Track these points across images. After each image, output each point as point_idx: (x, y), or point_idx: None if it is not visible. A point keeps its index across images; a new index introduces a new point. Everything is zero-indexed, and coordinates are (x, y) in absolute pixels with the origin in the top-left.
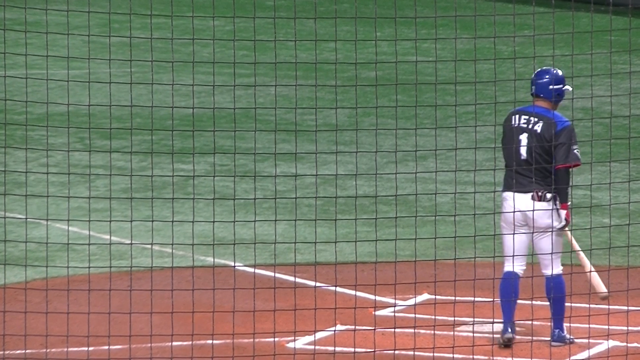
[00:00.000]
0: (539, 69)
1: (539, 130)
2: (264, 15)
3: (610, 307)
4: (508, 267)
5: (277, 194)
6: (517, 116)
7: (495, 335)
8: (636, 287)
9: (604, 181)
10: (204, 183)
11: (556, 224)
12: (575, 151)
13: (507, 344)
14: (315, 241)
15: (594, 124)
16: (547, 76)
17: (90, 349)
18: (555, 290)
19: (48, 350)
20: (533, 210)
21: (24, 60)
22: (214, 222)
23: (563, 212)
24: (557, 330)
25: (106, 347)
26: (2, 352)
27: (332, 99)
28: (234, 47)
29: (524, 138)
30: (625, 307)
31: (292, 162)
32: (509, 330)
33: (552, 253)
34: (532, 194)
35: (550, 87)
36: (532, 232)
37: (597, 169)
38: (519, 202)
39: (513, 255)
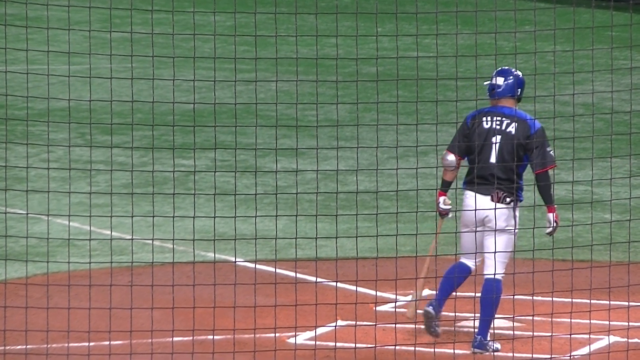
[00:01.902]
0: (498, 70)
1: (513, 132)
2: (265, 11)
3: (611, 302)
4: (463, 259)
5: (277, 190)
6: (489, 117)
7: (496, 331)
8: (637, 282)
9: (605, 177)
10: (205, 178)
11: (506, 225)
12: (550, 152)
13: (427, 322)
14: (316, 237)
15: (595, 119)
16: (511, 77)
17: (91, 344)
18: (488, 294)
19: (49, 346)
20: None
21: (24, 56)
22: (214, 217)
23: (551, 215)
24: (479, 337)
25: (107, 343)
26: (3, 348)
27: (333, 95)
28: (235, 43)
29: (496, 140)
30: (626, 303)
31: (292, 157)
32: (432, 306)
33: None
34: (492, 195)
35: (517, 87)
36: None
37: (598, 165)
38: (479, 202)
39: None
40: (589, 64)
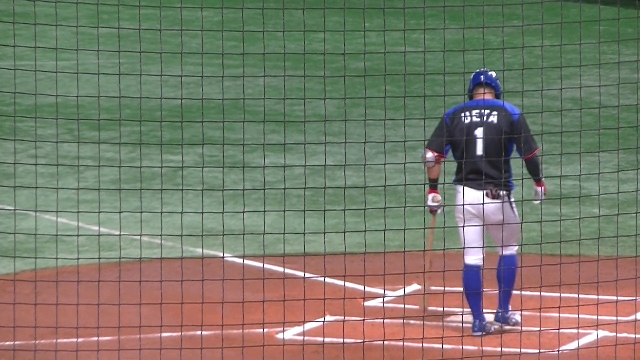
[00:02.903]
0: (476, 71)
1: (495, 121)
2: (253, 6)
3: (600, 297)
4: (467, 260)
5: (266, 185)
6: (467, 112)
7: (487, 325)
8: (625, 277)
9: (593, 171)
10: (193, 174)
11: (507, 217)
12: (532, 137)
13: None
14: (304, 232)
15: (583, 114)
16: (490, 72)
17: (80, 340)
18: (508, 269)
19: (37, 342)
20: (484, 204)
21: (12, 52)
22: (202, 213)
23: (539, 188)
24: (501, 311)
25: (95, 338)
26: None
27: (321, 90)
28: (223, 38)
29: (479, 133)
30: (615, 297)
31: (281, 152)
32: (476, 328)
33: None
34: (486, 191)
35: (497, 81)
36: (483, 225)
37: (587, 159)
38: (471, 197)
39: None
40: (576, 59)
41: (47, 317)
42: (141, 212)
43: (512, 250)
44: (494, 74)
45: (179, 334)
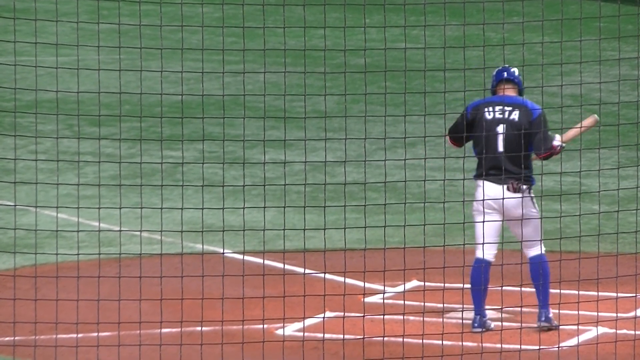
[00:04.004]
0: (500, 67)
1: (516, 119)
2: (253, 2)
3: (600, 293)
4: (479, 254)
5: (266, 181)
6: (490, 107)
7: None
8: (625, 273)
9: (593, 168)
10: (193, 170)
11: (533, 212)
12: (549, 135)
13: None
14: (304, 228)
15: (583, 110)
16: (513, 69)
17: (79, 335)
18: (537, 271)
19: (37, 337)
20: (502, 199)
21: (12, 47)
22: (202, 209)
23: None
24: (544, 311)
25: (95, 334)
26: None
27: (321, 86)
28: (223, 34)
29: (501, 129)
30: (615, 294)
31: (281, 149)
32: (476, 325)
33: (525, 240)
34: (507, 185)
35: (520, 77)
36: (502, 220)
37: (587, 156)
38: (493, 191)
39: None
40: (577, 55)
41: (47, 312)
42: (141, 207)
43: (537, 249)
44: (516, 70)
45: (179, 329)
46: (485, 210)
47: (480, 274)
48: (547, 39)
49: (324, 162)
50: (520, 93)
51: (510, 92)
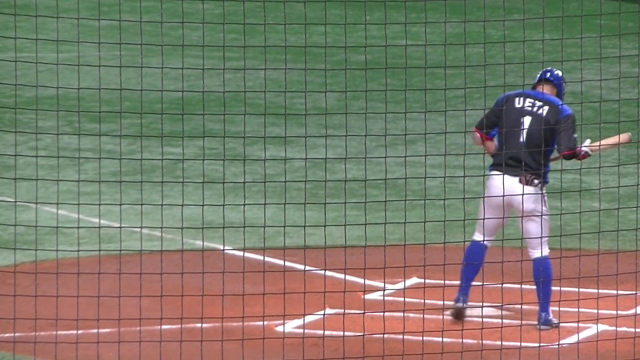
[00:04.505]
0: (546, 69)
1: (543, 114)
2: None
3: (600, 291)
4: (476, 237)
5: (266, 178)
6: (521, 98)
7: (484, 319)
8: (625, 271)
9: (594, 165)
10: (193, 166)
11: (534, 208)
12: (575, 137)
13: (457, 316)
14: (305, 225)
15: (584, 108)
16: (557, 72)
17: (79, 332)
18: (540, 273)
19: (37, 334)
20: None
21: (13, 44)
22: (203, 205)
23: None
24: (543, 314)
25: (95, 331)
26: None
27: (322, 83)
28: (224, 31)
29: (526, 121)
30: (615, 291)
31: (281, 145)
32: (461, 299)
33: (531, 237)
34: (520, 177)
35: (563, 83)
36: (522, 216)
37: None
38: (506, 183)
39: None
40: (577, 53)
41: (47, 309)
42: (141, 204)
43: (543, 250)
44: (560, 73)
45: (179, 326)
46: (494, 203)
47: (474, 251)
48: (548, 36)
49: (324, 159)
50: (559, 96)
51: (547, 90)
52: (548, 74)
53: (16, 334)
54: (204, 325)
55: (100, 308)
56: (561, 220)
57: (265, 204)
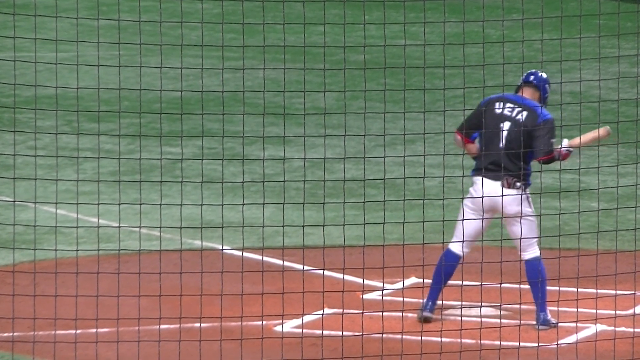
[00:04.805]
0: (530, 71)
1: (521, 119)
2: None
3: (598, 291)
4: (452, 247)
5: (265, 178)
6: (502, 103)
7: (483, 319)
8: (624, 271)
9: (593, 165)
10: (192, 166)
11: (529, 211)
12: (552, 142)
13: (425, 321)
14: (303, 224)
15: (583, 107)
16: (545, 75)
17: (78, 331)
18: (534, 274)
19: (36, 333)
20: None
21: (12, 43)
22: (202, 205)
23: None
24: (542, 314)
25: (94, 330)
26: None
27: (321, 83)
28: (222, 30)
29: (505, 126)
30: (613, 291)
31: (280, 145)
32: (428, 308)
33: (521, 238)
34: (502, 181)
35: (547, 85)
36: (485, 218)
37: (586, 153)
38: (488, 188)
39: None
40: (576, 53)
41: (46, 308)
42: (140, 204)
43: (532, 252)
44: (545, 75)
45: (178, 326)
46: (476, 208)
47: (446, 265)
48: (547, 36)
49: (323, 159)
50: (541, 99)
51: (528, 94)
52: (531, 77)
53: (15, 334)
54: (202, 324)
55: (99, 307)
56: (560, 221)
57: (264, 204)
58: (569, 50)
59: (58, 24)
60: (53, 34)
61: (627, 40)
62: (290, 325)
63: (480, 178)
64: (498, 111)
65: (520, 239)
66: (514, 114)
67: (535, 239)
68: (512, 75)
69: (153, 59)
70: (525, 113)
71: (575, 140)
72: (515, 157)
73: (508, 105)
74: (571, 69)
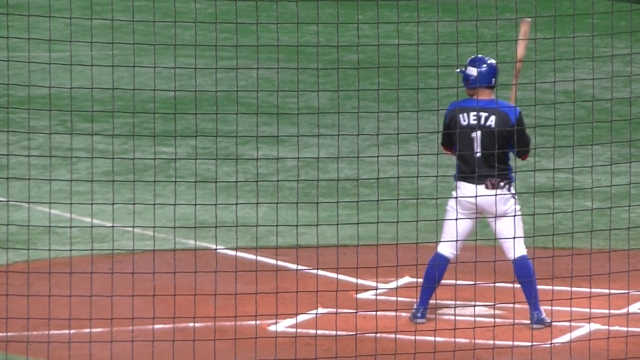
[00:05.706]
0: (471, 59)
1: (493, 125)
2: None
3: (592, 290)
4: (441, 250)
5: (258, 177)
6: (464, 114)
7: (477, 318)
8: (617, 270)
9: (586, 164)
10: (186, 166)
11: (508, 208)
12: (527, 136)
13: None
14: (297, 224)
15: (576, 107)
16: (485, 65)
17: (72, 331)
18: (523, 273)
19: (30, 333)
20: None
21: (5, 43)
22: (195, 204)
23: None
24: (535, 313)
25: (88, 330)
26: None
27: (314, 82)
28: (216, 30)
29: (478, 136)
30: (607, 290)
31: (273, 145)
32: (420, 315)
33: (508, 238)
34: (485, 184)
35: (492, 77)
36: (476, 217)
37: (579, 152)
38: (472, 192)
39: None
40: (569, 52)
41: (40, 308)
42: (134, 203)
43: (519, 250)
44: (485, 65)
45: (172, 325)
46: (461, 211)
47: (436, 269)
48: (540, 35)
49: (317, 159)
50: (491, 88)
51: (483, 95)
52: (470, 79)
53: (9, 334)
54: (196, 324)
55: (92, 307)
56: (553, 220)
57: (257, 204)
58: (563, 50)
59: (52, 24)
60: (47, 33)
61: (620, 39)
62: (284, 325)
63: (463, 183)
64: (464, 123)
65: (514, 238)
66: (482, 121)
67: (522, 238)
68: (506, 75)
69: (147, 58)
70: (493, 117)
71: (513, 89)
72: (494, 161)
73: (472, 114)
74: (565, 68)
